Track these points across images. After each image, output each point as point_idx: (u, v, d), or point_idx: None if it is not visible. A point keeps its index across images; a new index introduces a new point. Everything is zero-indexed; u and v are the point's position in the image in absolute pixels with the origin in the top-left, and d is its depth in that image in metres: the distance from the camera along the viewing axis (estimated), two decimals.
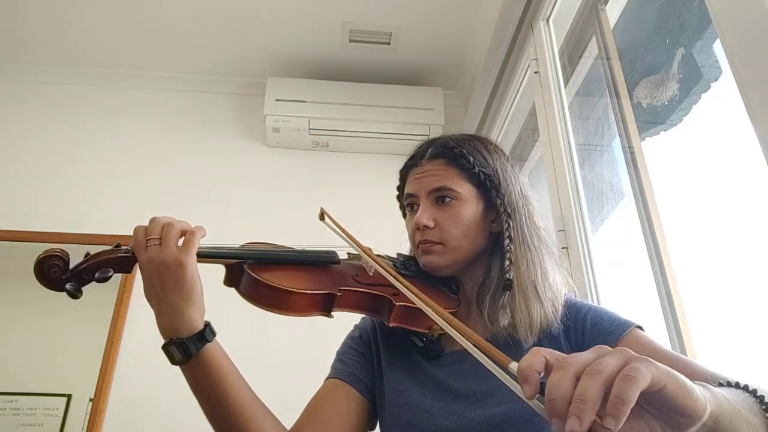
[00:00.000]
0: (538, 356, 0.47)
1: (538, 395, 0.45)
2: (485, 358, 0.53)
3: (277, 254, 0.88)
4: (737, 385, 0.57)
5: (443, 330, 0.86)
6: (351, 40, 2.56)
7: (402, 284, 0.77)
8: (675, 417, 0.46)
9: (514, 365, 0.48)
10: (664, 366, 0.46)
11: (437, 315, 0.68)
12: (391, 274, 0.80)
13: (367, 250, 0.90)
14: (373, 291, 0.86)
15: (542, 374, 0.46)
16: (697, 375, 0.67)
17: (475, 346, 0.55)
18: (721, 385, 0.57)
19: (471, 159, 0.94)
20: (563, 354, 0.47)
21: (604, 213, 1.59)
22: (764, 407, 0.55)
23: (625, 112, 1.45)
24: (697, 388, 0.47)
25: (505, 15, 2.03)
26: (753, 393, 0.56)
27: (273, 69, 2.72)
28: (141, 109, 2.74)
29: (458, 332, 0.59)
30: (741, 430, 0.51)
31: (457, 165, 0.94)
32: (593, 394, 0.42)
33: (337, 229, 0.97)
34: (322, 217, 1.03)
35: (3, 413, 2.04)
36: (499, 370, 0.50)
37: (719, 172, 1.18)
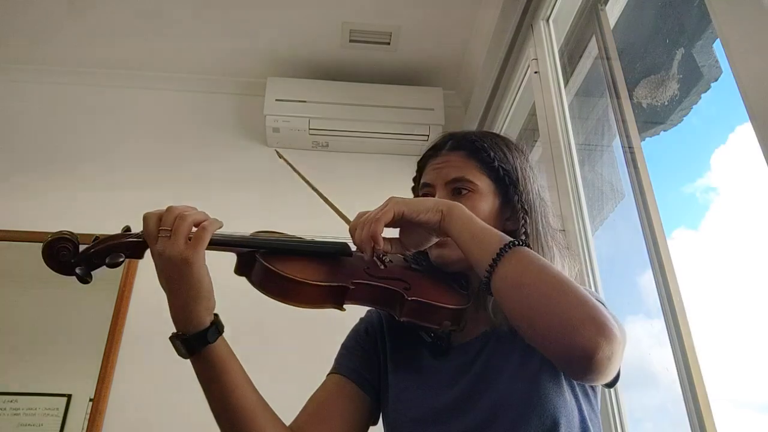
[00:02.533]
0: (356, 218, 0.82)
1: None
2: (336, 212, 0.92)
3: (290, 244, 0.87)
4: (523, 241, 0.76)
5: (453, 327, 0.86)
6: (351, 40, 2.56)
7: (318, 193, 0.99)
8: (423, 225, 0.81)
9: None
10: (406, 199, 0.82)
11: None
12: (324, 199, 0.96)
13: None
14: (386, 285, 0.85)
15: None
16: None
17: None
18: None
19: (491, 154, 0.93)
20: (371, 211, 0.80)
21: (604, 213, 1.59)
22: (503, 249, 0.73)
23: (625, 112, 1.45)
24: (429, 204, 0.81)
25: (505, 15, 2.03)
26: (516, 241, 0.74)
27: (273, 69, 2.72)
28: (141, 109, 2.73)
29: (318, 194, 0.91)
30: (461, 233, 0.78)
31: (477, 158, 0.93)
32: (364, 238, 0.78)
33: (293, 171, 1.03)
34: (279, 156, 1.08)
35: (3, 413, 2.04)
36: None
37: (719, 172, 1.18)
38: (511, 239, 0.74)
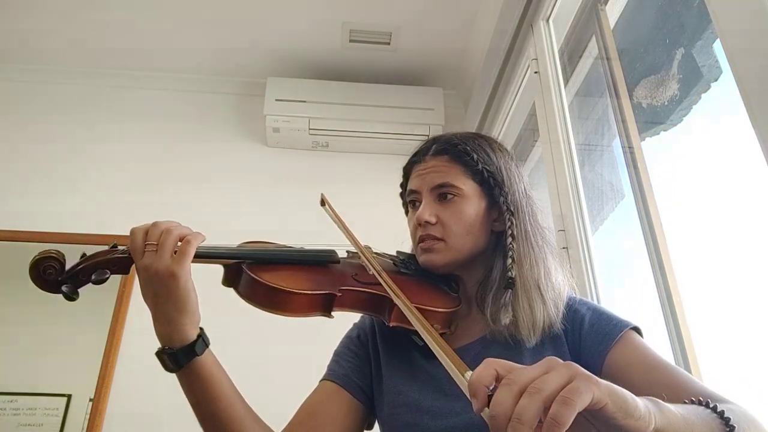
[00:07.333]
0: (488, 369, 0.47)
1: (486, 408, 0.45)
2: (448, 363, 0.53)
3: (276, 254, 0.87)
4: (706, 404, 0.58)
5: (444, 329, 0.86)
6: (351, 40, 2.56)
7: (379, 275, 0.81)
8: (622, 430, 0.47)
9: (469, 374, 0.48)
10: (608, 385, 0.47)
11: (407, 308, 0.72)
12: (373, 268, 0.82)
13: (361, 246, 0.90)
14: (374, 290, 0.85)
15: (492, 387, 0.46)
16: (679, 386, 0.70)
17: (448, 359, 0.54)
18: (685, 403, 0.58)
19: (475, 156, 0.93)
20: (515, 365, 0.47)
21: (604, 213, 1.59)
22: (727, 426, 0.56)
23: (625, 112, 1.45)
24: (641, 406, 0.48)
25: (505, 15, 2.03)
26: (719, 413, 0.57)
27: (273, 69, 2.72)
28: (141, 109, 2.74)
29: (428, 334, 0.60)
30: None
31: (460, 162, 0.93)
32: (530, 415, 0.43)
33: (335, 219, 0.97)
34: (322, 203, 1.03)
35: (3, 413, 2.04)
36: (461, 378, 0.50)
37: (719, 172, 1.18)
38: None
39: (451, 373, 0.53)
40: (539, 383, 0.44)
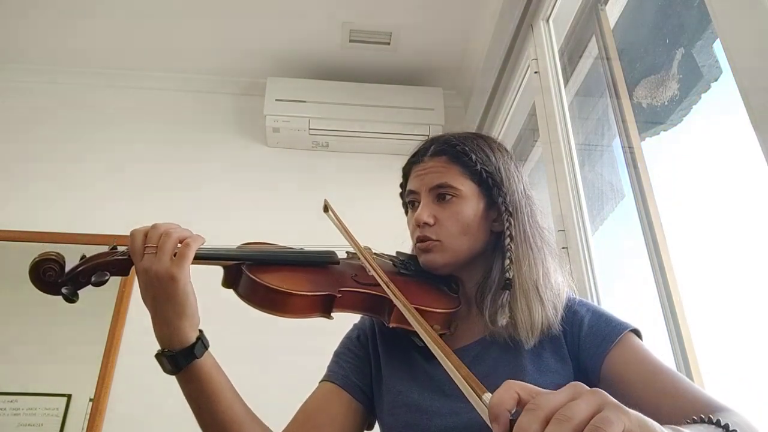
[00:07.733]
0: (509, 392, 0.45)
1: None
2: (464, 384, 0.50)
3: (275, 255, 0.87)
4: (717, 423, 0.58)
5: (443, 330, 0.86)
6: (351, 40, 2.56)
7: (387, 286, 0.79)
8: None
9: (487, 396, 0.46)
10: (637, 415, 0.45)
11: (407, 310, 0.71)
12: (381, 279, 0.81)
13: (364, 252, 0.90)
14: (373, 291, 0.85)
15: (513, 411, 0.44)
16: (677, 391, 0.71)
17: (464, 379, 0.52)
18: (695, 421, 0.58)
19: (473, 156, 0.93)
20: (539, 389, 0.46)
21: (604, 213, 1.59)
22: None
23: (625, 112, 1.45)
24: None
25: (505, 15, 2.03)
26: (726, 429, 0.56)
27: (273, 69, 2.72)
28: (141, 109, 2.73)
29: (441, 353, 0.57)
30: None
31: (459, 162, 0.93)
32: None
33: (338, 225, 0.97)
34: (326, 209, 1.03)
35: (3, 413, 2.04)
36: (478, 401, 0.47)
37: (719, 172, 1.18)
38: None
39: (466, 394, 0.50)
40: (567, 411, 0.42)
